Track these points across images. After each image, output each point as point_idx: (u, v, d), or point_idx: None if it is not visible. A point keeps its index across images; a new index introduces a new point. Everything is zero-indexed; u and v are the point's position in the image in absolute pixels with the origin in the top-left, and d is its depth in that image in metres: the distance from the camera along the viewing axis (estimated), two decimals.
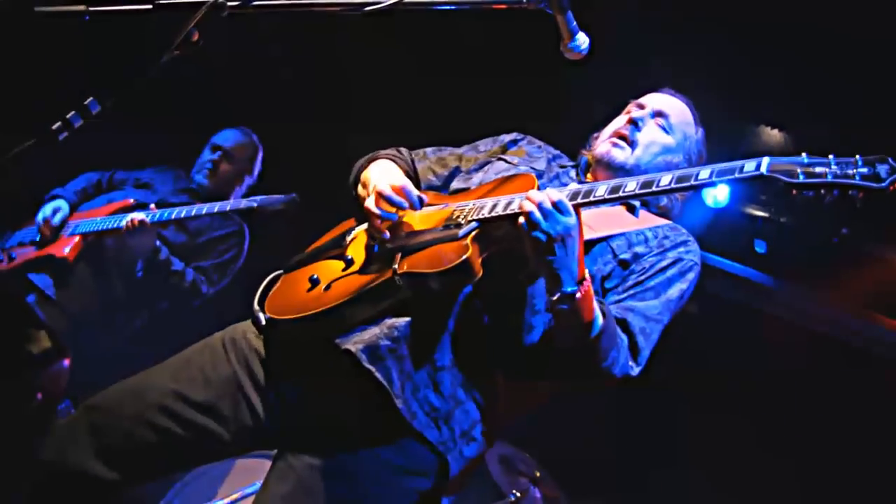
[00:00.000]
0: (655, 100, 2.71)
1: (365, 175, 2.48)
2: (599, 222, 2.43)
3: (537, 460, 4.72)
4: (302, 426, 2.28)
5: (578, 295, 2.07)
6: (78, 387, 2.96)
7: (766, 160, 1.91)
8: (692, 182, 1.99)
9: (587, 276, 2.12)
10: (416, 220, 2.31)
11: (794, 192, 1.86)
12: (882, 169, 1.80)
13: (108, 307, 4.31)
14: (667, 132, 2.64)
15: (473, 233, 2.14)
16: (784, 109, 4.80)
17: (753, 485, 5.19)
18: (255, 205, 3.97)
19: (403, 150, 2.74)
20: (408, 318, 2.23)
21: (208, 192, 4.64)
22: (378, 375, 2.17)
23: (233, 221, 4.58)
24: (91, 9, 1.98)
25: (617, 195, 2.08)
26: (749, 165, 1.93)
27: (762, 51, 4.41)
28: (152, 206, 4.16)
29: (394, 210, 2.23)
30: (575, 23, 2.13)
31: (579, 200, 2.09)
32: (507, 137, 2.79)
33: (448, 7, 2.02)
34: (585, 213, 2.19)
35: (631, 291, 2.39)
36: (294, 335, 2.31)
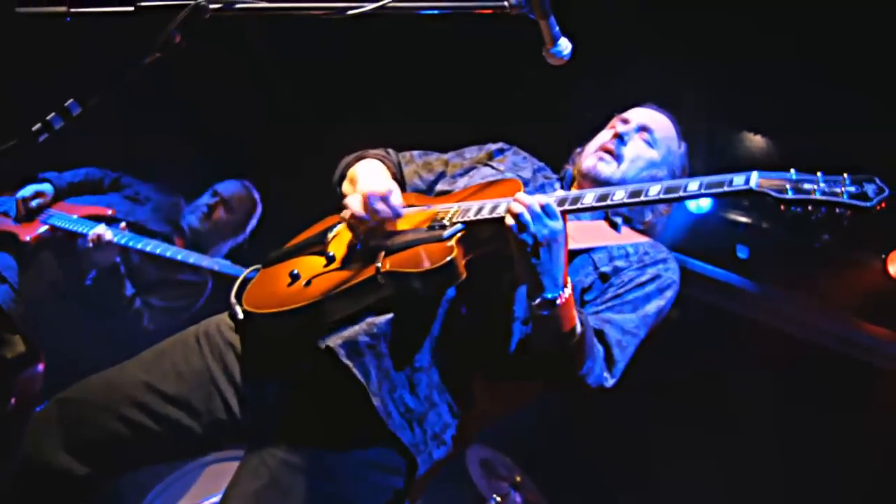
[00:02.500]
0: (640, 115, 2.73)
1: (352, 172, 2.49)
2: (582, 234, 2.44)
3: (518, 464, 4.73)
4: (277, 422, 2.27)
5: (559, 301, 2.09)
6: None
7: (754, 175, 1.93)
8: (680, 193, 2.01)
9: (569, 283, 2.13)
10: (401, 220, 2.31)
11: (783, 207, 1.88)
12: (869, 188, 1.82)
13: (63, 302, 4.27)
14: (651, 146, 2.66)
15: (458, 234, 2.14)
16: (767, 115, 4.82)
17: (735, 489, 5.20)
18: (215, 267, 3.96)
19: (391, 151, 2.75)
20: (389, 316, 2.23)
21: (196, 235, 4.63)
22: (356, 371, 2.16)
23: (200, 273, 4.50)
24: (72, 10, 1.98)
25: (604, 203, 2.09)
26: (738, 179, 1.95)
27: (745, 56, 4.43)
28: (122, 224, 4.12)
29: (376, 218, 2.22)
30: (557, 28, 2.13)
31: (567, 207, 2.11)
32: (493, 146, 2.80)
33: (431, 12, 2.02)
34: (569, 225, 2.20)
35: (609, 304, 2.40)
36: (272, 330, 2.29)
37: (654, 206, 2.65)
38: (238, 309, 2.33)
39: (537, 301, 2.10)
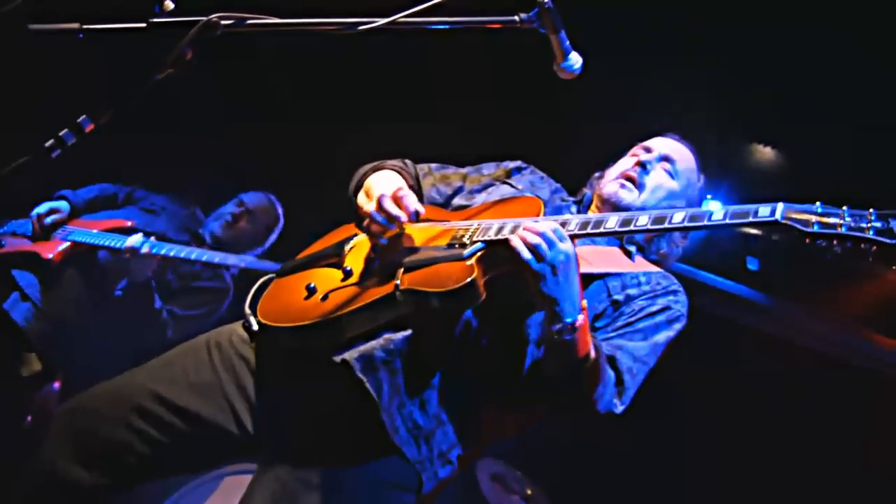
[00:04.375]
0: (662, 144, 2.73)
1: (368, 184, 2.46)
2: (598, 259, 2.45)
3: (528, 478, 4.72)
4: (290, 436, 2.26)
5: (578, 324, 2.09)
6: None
7: (780, 206, 1.95)
8: (705, 222, 2.02)
9: (585, 306, 2.13)
10: (419, 235, 2.30)
11: (808, 240, 1.90)
12: (895, 224, 1.83)
13: (87, 318, 4.27)
14: (672, 178, 2.67)
15: (478, 254, 2.13)
16: (776, 127, 4.82)
17: (745, 498, 5.18)
18: (242, 264, 3.97)
19: (409, 162, 2.73)
20: (406, 333, 2.21)
21: (217, 243, 4.63)
22: (369, 386, 2.15)
23: (222, 280, 4.53)
24: (85, 27, 1.99)
25: (628, 228, 2.10)
26: (763, 210, 1.97)
27: (755, 68, 4.43)
28: (153, 238, 4.11)
29: (393, 220, 2.20)
30: (568, 42, 2.14)
31: (589, 231, 2.12)
32: (511, 164, 2.81)
33: (442, 27, 2.03)
34: (584, 249, 2.22)
35: (620, 331, 2.40)
36: (288, 344, 2.27)
37: (669, 237, 2.66)
38: (253, 320, 2.32)
39: (557, 327, 2.10)
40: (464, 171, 2.80)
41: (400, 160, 2.70)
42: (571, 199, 2.75)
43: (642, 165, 2.65)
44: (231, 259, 4.00)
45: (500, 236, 2.14)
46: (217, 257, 3.99)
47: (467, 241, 2.18)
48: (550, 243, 2.05)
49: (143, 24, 1.97)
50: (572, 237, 2.12)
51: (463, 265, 2.09)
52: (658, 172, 2.66)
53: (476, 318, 2.25)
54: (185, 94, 4.43)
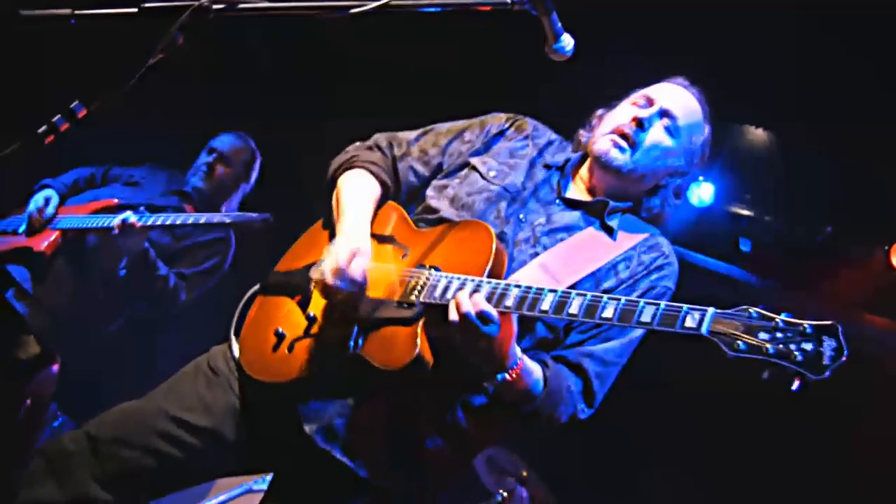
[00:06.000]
0: (665, 95, 2.56)
1: (337, 193, 2.54)
2: (569, 263, 2.38)
3: (524, 459, 4.73)
4: (286, 464, 2.43)
5: (508, 378, 2.13)
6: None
7: (709, 315, 1.85)
8: (632, 322, 1.94)
9: (518, 359, 2.14)
10: (375, 282, 2.30)
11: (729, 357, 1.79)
12: (828, 346, 1.72)
13: (85, 305, 4.28)
14: (672, 135, 2.52)
15: (423, 318, 2.15)
16: (768, 108, 4.82)
17: (742, 485, 5.21)
18: (227, 220, 3.98)
19: (385, 146, 2.71)
20: (362, 393, 2.28)
21: (203, 195, 4.63)
22: (336, 455, 2.24)
23: (219, 229, 4.51)
24: (76, 12, 1.98)
25: (560, 315, 2.03)
26: (690, 321, 1.86)
27: (746, 49, 4.43)
28: (142, 208, 4.13)
29: (341, 295, 2.25)
30: (560, 24, 2.13)
31: (524, 312, 2.06)
32: (493, 127, 2.70)
33: (433, 9, 2.02)
34: (555, 253, 2.32)
35: (594, 332, 2.38)
36: (255, 394, 2.37)
37: (663, 193, 2.58)
38: (235, 347, 2.42)
39: (489, 384, 2.18)
40: (443, 142, 2.71)
41: (376, 148, 2.71)
42: (561, 159, 2.63)
43: (640, 124, 2.49)
44: (216, 217, 4.00)
45: (444, 300, 2.14)
46: (203, 218, 3.97)
47: (414, 299, 2.19)
48: (474, 324, 2.04)
49: (135, 9, 1.97)
50: (502, 313, 2.07)
51: (411, 332, 2.13)
52: (656, 129, 2.50)
53: (428, 374, 2.18)
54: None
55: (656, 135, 2.51)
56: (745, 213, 5.26)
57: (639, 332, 2.40)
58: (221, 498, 3.81)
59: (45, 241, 4.16)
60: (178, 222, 3.97)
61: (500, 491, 4.58)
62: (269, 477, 2.57)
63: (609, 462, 5.58)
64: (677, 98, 2.57)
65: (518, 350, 2.15)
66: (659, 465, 5.44)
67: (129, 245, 4.02)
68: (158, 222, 3.96)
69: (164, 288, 4.25)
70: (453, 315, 2.04)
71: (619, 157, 2.48)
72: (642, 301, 1.95)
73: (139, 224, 3.92)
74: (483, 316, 2.02)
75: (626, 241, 2.48)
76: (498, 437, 2.40)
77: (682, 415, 5.43)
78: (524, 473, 4.66)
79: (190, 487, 2.70)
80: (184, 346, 2.98)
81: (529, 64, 2.84)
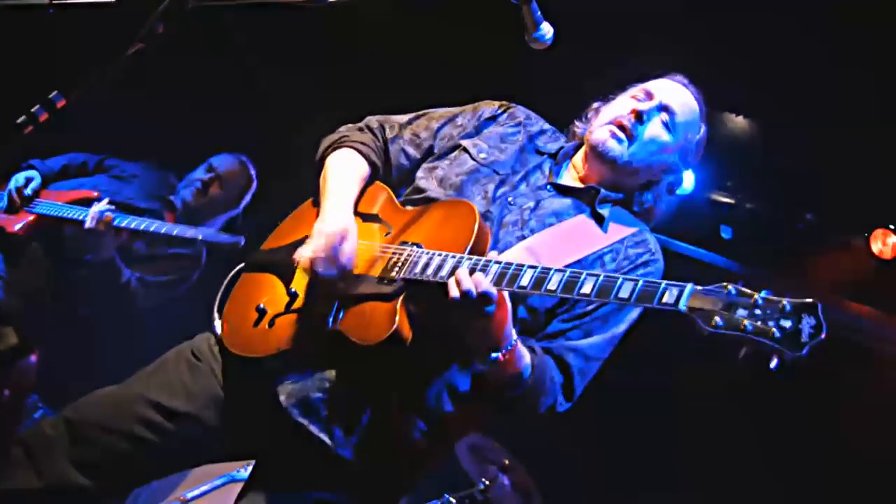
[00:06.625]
0: (665, 91, 2.58)
1: (325, 173, 2.53)
2: (556, 250, 2.36)
3: (506, 448, 4.75)
4: (266, 448, 2.40)
5: (501, 359, 2.11)
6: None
7: (687, 291, 1.84)
8: (610, 298, 1.93)
9: (513, 340, 2.13)
10: (358, 258, 2.32)
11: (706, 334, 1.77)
12: (806, 324, 1.69)
13: (54, 292, 4.23)
14: (669, 131, 2.53)
15: (403, 294, 2.16)
16: (748, 96, 4.84)
17: (727, 470, 5.25)
18: (199, 237, 3.90)
19: (376, 129, 2.70)
20: (340, 368, 2.27)
21: (188, 210, 4.57)
22: (312, 429, 2.23)
23: (193, 245, 4.44)
24: (55, 2, 1.98)
25: (538, 290, 2.02)
26: (669, 297, 1.85)
27: (728, 37, 4.44)
28: (105, 200, 4.01)
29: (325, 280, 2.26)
30: (539, 13, 2.14)
31: (503, 287, 2.05)
32: (486, 111, 2.70)
33: None
34: (543, 237, 2.30)
35: (579, 321, 2.38)
36: (237, 370, 2.37)
37: (656, 189, 2.60)
38: (217, 324, 2.41)
39: (480, 360, 2.15)
40: (436, 123, 2.71)
41: (367, 129, 2.70)
42: (554, 147, 2.64)
43: (639, 117, 2.51)
44: (189, 232, 3.92)
45: (424, 277, 2.15)
46: (175, 230, 3.91)
47: (395, 275, 2.20)
48: (472, 301, 2.02)
49: None
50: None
51: (389, 308, 2.13)
52: (654, 124, 2.52)
53: (411, 351, 2.18)
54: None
55: (654, 129, 2.53)
56: (726, 200, 5.27)
57: (622, 328, 2.41)
58: (204, 487, 3.81)
59: (18, 224, 4.12)
60: (151, 229, 3.92)
61: (483, 479, 4.61)
62: (251, 465, 2.55)
63: (592, 450, 5.60)
64: (677, 94, 2.59)
65: (514, 332, 2.14)
66: (641, 455, 5.47)
67: (97, 245, 3.99)
68: (132, 225, 3.93)
69: (124, 291, 4.20)
70: (454, 292, 2.03)
71: (616, 148, 2.49)
72: (620, 277, 1.94)
73: (114, 223, 3.89)
74: (484, 295, 2.02)
75: (615, 232, 2.49)
76: (478, 425, 2.39)
77: (666, 403, 5.47)
78: (506, 462, 4.68)
79: (171, 474, 2.72)
80: (171, 332, 2.96)
81: (517, 56, 2.82)
